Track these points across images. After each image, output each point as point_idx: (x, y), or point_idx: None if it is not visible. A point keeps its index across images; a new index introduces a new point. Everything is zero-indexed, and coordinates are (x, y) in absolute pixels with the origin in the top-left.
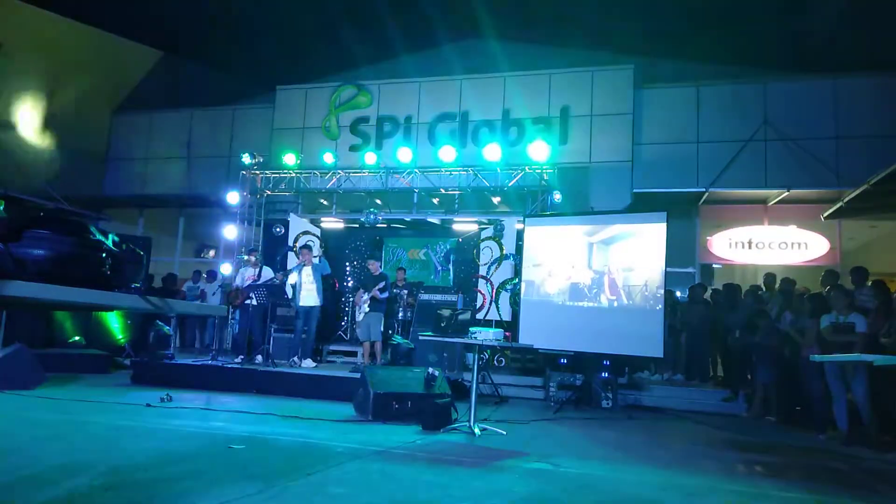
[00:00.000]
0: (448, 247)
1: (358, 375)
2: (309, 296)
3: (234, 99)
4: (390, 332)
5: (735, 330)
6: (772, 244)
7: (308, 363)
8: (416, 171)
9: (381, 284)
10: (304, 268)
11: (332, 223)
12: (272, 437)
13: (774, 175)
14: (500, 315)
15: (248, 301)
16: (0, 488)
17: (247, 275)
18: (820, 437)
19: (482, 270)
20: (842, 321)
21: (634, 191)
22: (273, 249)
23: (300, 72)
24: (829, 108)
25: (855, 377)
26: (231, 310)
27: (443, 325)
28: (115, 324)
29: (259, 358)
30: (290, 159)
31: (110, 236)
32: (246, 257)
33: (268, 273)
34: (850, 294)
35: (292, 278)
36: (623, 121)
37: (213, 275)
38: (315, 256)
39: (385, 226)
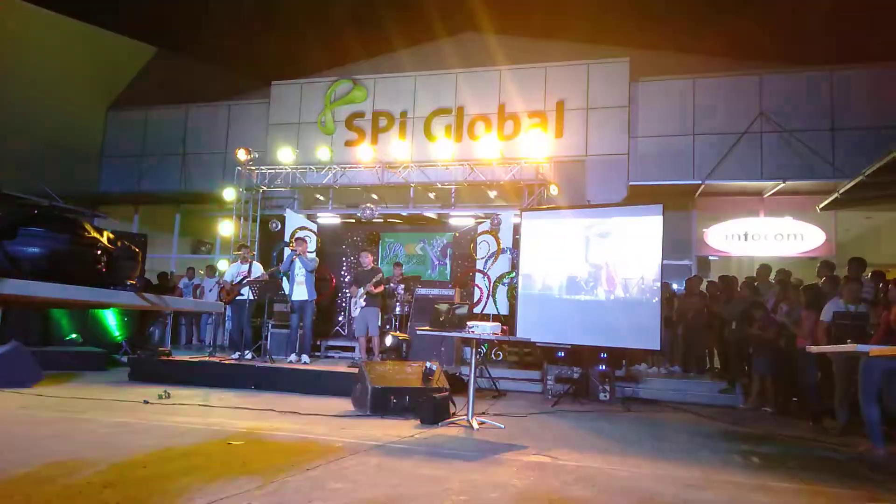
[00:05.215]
0: (445, 241)
1: (356, 370)
2: (301, 289)
3: (229, 95)
4: (387, 326)
5: (731, 321)
6: (768, 236)
7: (305, 359)
8: (413, 165)
9: (376, 278)
10: (297, 259)
11: (329, 218)
12: (270, 432)
13: (770, 167)
14: (497, 309)
15: (238, 297)
16: None
17: (238, 271)
18: (816, 427)
19: (479, 265)
20: (852, 310)
21: (630, 184)
22: (270, 245)
23: (295, 67)
24: (824, 100)
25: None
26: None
27: (440, 319)
28: (111, 321)
29: (249, 354)
30: (285, 155)
31: (105, 233)
32: (237, 253)
33: (257, 269)
34: (861, 285)
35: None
36: (619, 114)
37: (211, 271)
38: (310, 252)
39: (382, 221)
